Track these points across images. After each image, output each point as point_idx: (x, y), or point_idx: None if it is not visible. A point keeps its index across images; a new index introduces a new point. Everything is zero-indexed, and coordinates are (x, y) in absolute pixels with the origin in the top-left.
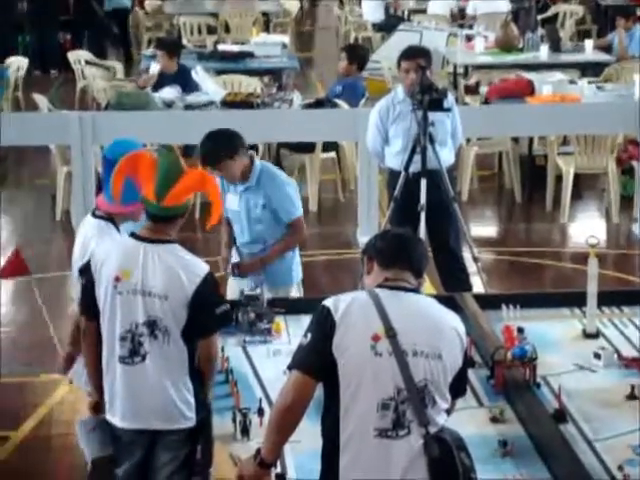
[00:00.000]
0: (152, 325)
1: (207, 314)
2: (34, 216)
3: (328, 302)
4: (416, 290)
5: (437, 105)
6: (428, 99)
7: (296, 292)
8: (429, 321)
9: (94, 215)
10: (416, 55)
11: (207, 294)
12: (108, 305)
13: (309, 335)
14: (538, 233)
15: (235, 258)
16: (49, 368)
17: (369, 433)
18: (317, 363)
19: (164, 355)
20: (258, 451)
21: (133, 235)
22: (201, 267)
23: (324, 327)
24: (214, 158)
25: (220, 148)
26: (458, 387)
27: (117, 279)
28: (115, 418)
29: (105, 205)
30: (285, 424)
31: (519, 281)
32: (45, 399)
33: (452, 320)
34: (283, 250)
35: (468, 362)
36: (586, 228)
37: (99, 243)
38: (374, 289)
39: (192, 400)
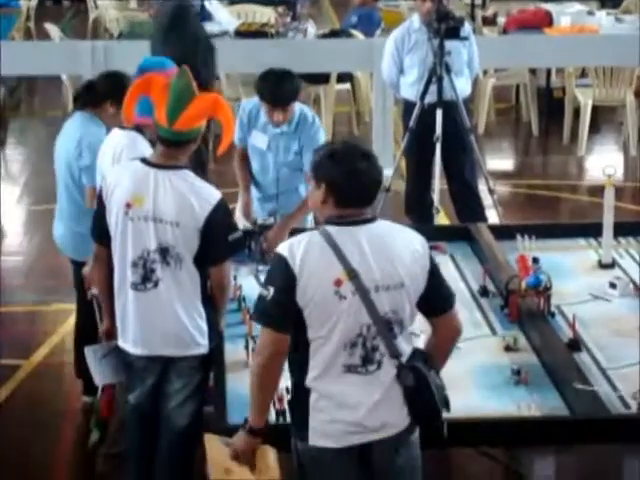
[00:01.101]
0: (164, 252)
1: (219, 241)
2: (46, 146)
3: (283, 250)
4: (371, 219)
5: (454, 33)
6: (445, 27)
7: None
8: (387, 251)
9: (122, 128)
10: None
11: (219, 221)
12: (119, 232)
13: (271, 289)
14: (555, 166)
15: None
16: (62, 298)
17: (337, 370)
18: (285, 317)
19: (176, 282)
20: (245, 421)
21: (144, 161)
22: (213, 194)
23: (284, 279)
24: (295, 97)
25: (299, 86)
26: (439, 300)
27: (128, 205)
28: (127, 344)
29: (137, 119)
30: (266, 382)
31: (535, 214)
32: (57, 328)
33: (410, 242)
34: (307, 208)
35: (437, 270)
36: (603, 161)
37: (130, 153)
38: (327, 228)
39: (205, 327)
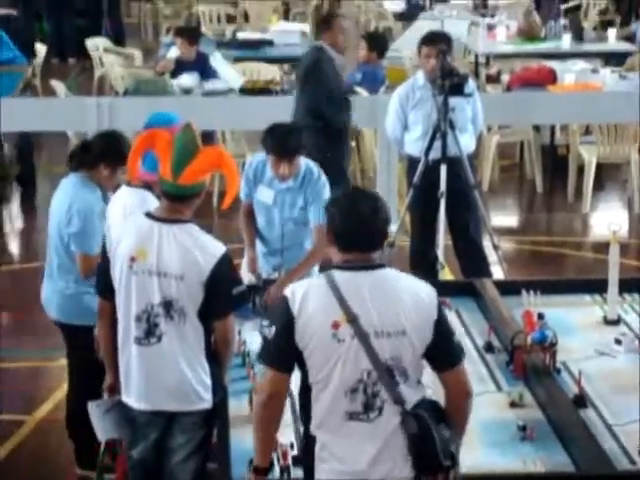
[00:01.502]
0: (168, 306)
1: (223, 294)
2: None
3: (287, 291)
4: (378, 265)
5: (458, 90)
6: (449, 84)
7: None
8: (389, 298)
9: (129, 186)
10: (437, 40)
11: (223, 274)
12: (123, 286)
13: (272, 329)
14: (559, 223)
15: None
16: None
17: (340, 417)
18: (284, 357)
19: (180, 336)
20: (251, 462)
21: (148, 215)
22: (217, 247)
23: (284, 320)
24: (300, 149)
25: (303, 140)
26: (444, 354)
27: (132, 259)
28: (130, 399)
29: (144, 175)
30: (266, 421)
31: (540, 270)
32: (61, 382)
33: (416, 292)
34: (311, 262)
35: (445, 322)
36: (608, 218)
37: (140, 212)
38: (332, 272)
39: (208, 381)
